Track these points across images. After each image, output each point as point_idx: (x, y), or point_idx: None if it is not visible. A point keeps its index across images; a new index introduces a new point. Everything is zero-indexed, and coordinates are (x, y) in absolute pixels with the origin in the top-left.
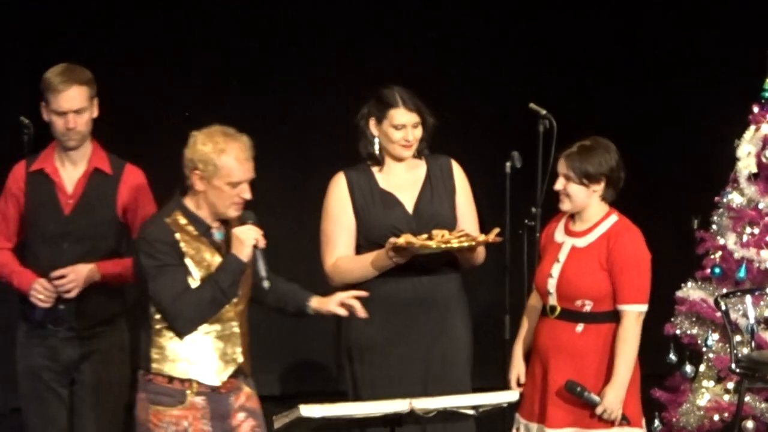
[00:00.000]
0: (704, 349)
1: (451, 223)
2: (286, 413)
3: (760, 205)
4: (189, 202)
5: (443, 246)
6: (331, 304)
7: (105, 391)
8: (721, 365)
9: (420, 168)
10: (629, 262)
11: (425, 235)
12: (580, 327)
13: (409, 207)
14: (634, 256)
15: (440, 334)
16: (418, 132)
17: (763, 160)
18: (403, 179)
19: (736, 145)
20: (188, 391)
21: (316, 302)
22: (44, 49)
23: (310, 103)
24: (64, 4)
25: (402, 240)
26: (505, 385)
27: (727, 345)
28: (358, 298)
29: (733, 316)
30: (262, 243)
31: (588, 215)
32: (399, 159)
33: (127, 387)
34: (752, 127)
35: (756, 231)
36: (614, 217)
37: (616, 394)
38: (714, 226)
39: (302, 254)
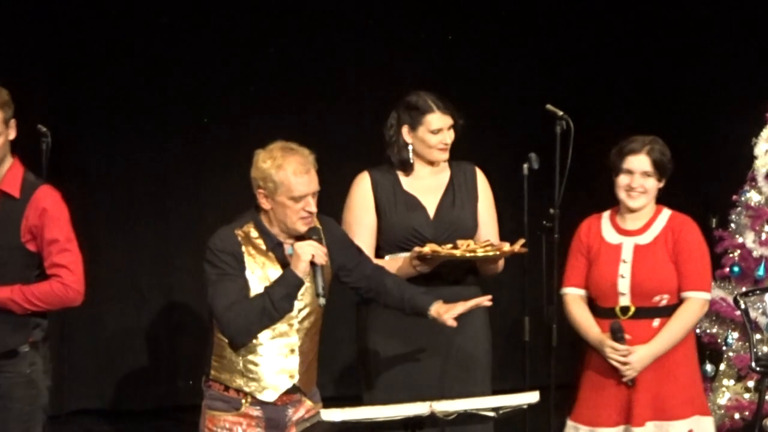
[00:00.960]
0: (724, 347)
1: (471, 230)
2: (307, 418)
3: None
4: (263, 218)
5: (468, 255)
6: (449, 318)
7: None
8: (741, 364)
9: (444, 173)
10: (695, 251)
11: (450, 245)
12: (656, 322)
13: (431, 211)
14: (699, 246)
15: (459, 339)
16: (452, 134)
17: None
18: (426, 183)
19: (753, 144)
20: (243, 401)
21: (435, 311)
22: (63, 57)
23: (328, 106)
24: (81, 12)
25: (427, 248)
26: (525, 387)
27: (746, 343)
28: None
29: (752, 314)
30: (320, 259)
31: (642, 212)
32: (434, 163)
33: (35, 424)
34: None
35: None
36: (667, 211)
37: (642, 358)
38: (732, 225)
39: None
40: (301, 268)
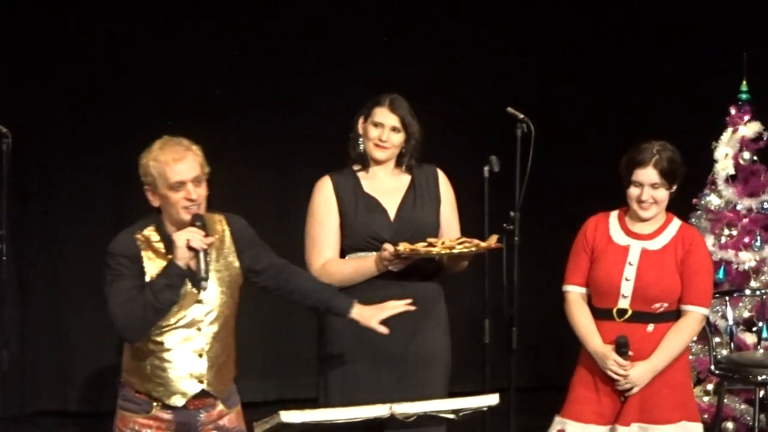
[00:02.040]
0: None
1: (432, 232)
2: (267, 419)
3: (738, 207)
4: (164, 219)
5: (446, 252)
6: (374, 322)
7: None
8: (700, 367)
9: (405, 175)
10: (703, 266)
11: (425, 243)
12: (651, 327)
13: (392, 213)
14: (706, 261)
15: (417, 340)
16: (396, 138)
17: (741, 162)
18: (387, 185)
19: (713, 147)
20: (154, 404)
21: (357, 314)
22: (24, 56)
23: (294, 107)
24: (41, 11)
25: (402, 247)
26: (484, 389)
27: (706, 347)
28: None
29: (712, 317)
30: (197, 243)
31: (654, 218)
32: (374, 159)
33: None
34: (729, 129)
35: (734, 233)
36: (677, 220)
37: (643, 373)
38: None
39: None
40: (179, 255)
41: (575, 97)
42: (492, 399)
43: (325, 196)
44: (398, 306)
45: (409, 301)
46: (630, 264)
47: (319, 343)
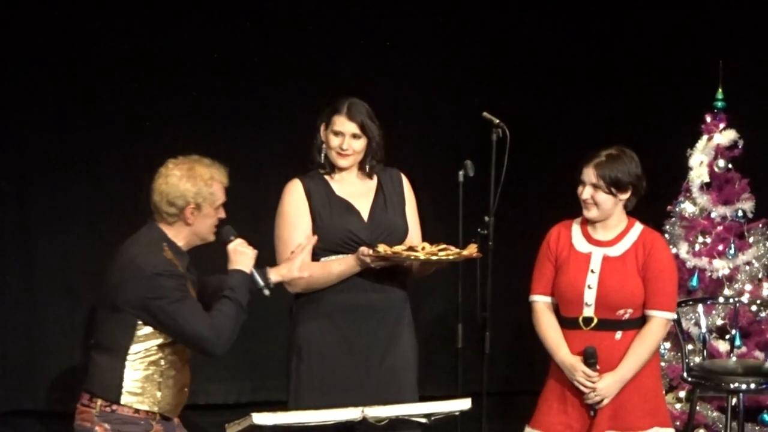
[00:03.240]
0: None
1: (403, 233)
2: (239, 421)
3: (713, 215)
4: (170, 234)
5: (433, 258)
6: (295, 272)
7: None
8: (673, 374)
9: (371, 179)
10: (664, 270)
11: (404, 246)
12: (618, 334)
13: (365, 215)
14: (668, 265)
15: (387, 344)
16: (357, 144)
17: (716, 169)
18: (356, 188)
19: (688, 155)
20: (152, 421)
21: (277, 276)
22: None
23: (265, 109)
24: (17, 12)
25: (381, 249)
26: (457, 394)
27: (679, 354)
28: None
29: (685, 325)
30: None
31: (611, 223)
32: (337, 167)
33: None
34: (705, 137)
35: (708, 240)
36: (639, 225)
37: (611, 385)
38: (666, 236)
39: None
40: (249, 266)
41: (551, 102)
42: (464, 404)
43: (295, 198)
44: (306, 247)
45: (314, 239)
46: (592, 271)
47: (289, 347)
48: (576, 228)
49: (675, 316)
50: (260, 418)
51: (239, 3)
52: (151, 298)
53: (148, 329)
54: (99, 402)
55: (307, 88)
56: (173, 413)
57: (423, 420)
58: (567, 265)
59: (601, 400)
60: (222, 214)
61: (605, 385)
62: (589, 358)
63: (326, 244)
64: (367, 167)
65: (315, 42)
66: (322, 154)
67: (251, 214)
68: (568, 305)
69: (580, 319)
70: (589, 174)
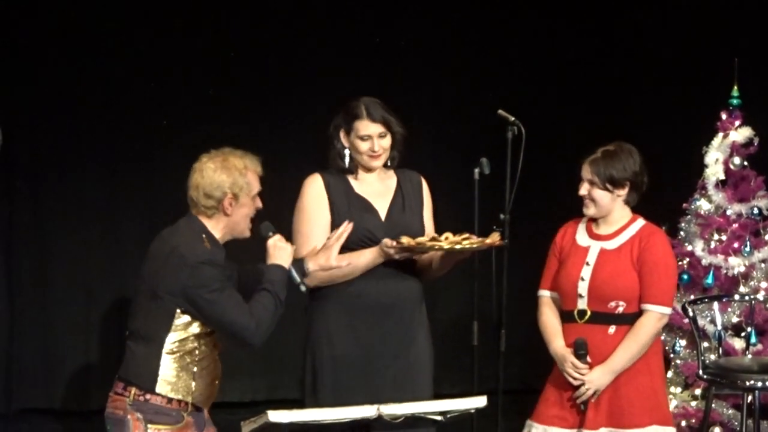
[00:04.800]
0: (672, 355)
1: (419, 235)
2: (255, 419)
3: (728, 212)
4: (209, 227)
5: (457, 247)
6: (333, 261)
7: None
8: (688, 371)
9: (391, 179)
10: (659, 263)
11: (427, 237)
12: (612, 329)
13: (382, 215)
14: (664, 258)
15: (403, 342)
16: (386, 142)
17: (731, 167)
18: (375, 188)
19: (704, 152)
20: (184, 412)
21: (314, 266)
22: (15, 52)
23: (283, 107)
24: (33, 8)
25: (405, 240)
26: (473, 391)
27: (694, 351)
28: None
29: (700, 322)
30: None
31: (613, 219)
32: (369, 169)
33: None
34: (720, 134)
35: (723, 238)
36: (641, 221)
37: (600, 377)
38: (682, 233)
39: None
40: (288, 262)
41: (566, 100)
42: (480, 401)
43: (316, 192)
44: (342, 234)
45: (350, 226)
46: (587, 264)
47: (305, 345)
48: (582, 224)
49: (669, 311)
50: (276, 416)
51: (256, 1)
52: (193, 287)
53: (186, 318)
54: (133, 390)
55: (323, 85)
56: (205, 404)
57: (439, 418)
58: (567, 259)
59: (593, 394)
60: (259, 204)
61: (594, 377)
62: (579, 350)
63: (344, 241)
64: (388, 162)
65: (331, 40)
66: (346, 159)
67: (270, 209)
68: (566, 298)
69: (575, 311)
70: (586, 171)
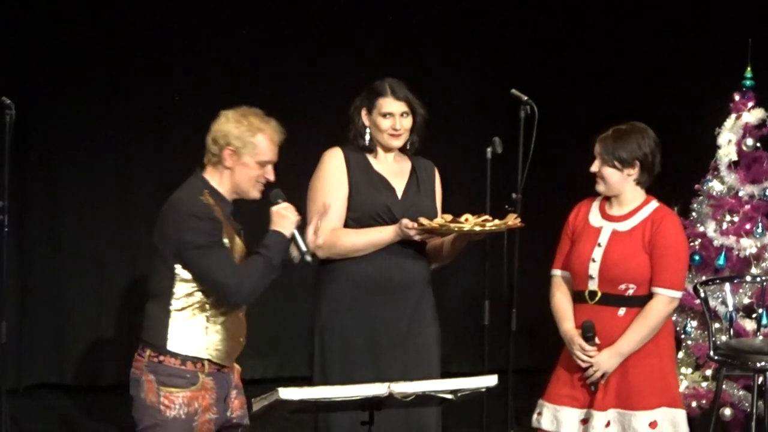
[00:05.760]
0: (683, 336)
1: (432, 218)
2: (265, 396)
3: (740, 193)
4: (212, 181)
5: (477, 229)
6: (310, 233)
7: None
8: (699, 352)
9: (407, 163)
10: (670, 246)
11: (449, 218)
12: (622, 311)
13: (399, 193)
14: (675, 242)
15: (410, 322)
16: (407, 122)
17: (744, 148)
18: (393, 168)
19: (716, 133)
20: (200, 373)
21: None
22: (28, 29)
23: (295, 88)
24: None
25: (426, 222)
26: (483, 370)
27: (705, 332)
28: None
29: (712, 303)
30: (299, 220)
31: (625, 199)
32: (389, 149)
33: None
34: (733, 116)
35: (736, 219)
36: (655, 203)
37: (608, 359)
38: (694, 214)
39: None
40: (290, 230)
41: (579, 79)
42: (490, 380)
43: (336, 165)
44: (326, 213)
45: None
46: (599, 245)
47: (313, 324)
48: (595, 204)
49: (680, 295)
50: (287, 393)
51: None
52: (182, 239)
53: (188, 273)
54: (148, 352)
55: (335, 64)
56: (226, 361)
57: (449, 396)
58: (579, 239)
59: (602, 376)
60: (269, 175)
61: (602, 359)
62: (586, 332)
63: (359, 214)
64: (408, 145)
65: (343, 19)
66: (366, 138)
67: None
68: (576, 278)
69: (586, 292)
70: (597, 148)
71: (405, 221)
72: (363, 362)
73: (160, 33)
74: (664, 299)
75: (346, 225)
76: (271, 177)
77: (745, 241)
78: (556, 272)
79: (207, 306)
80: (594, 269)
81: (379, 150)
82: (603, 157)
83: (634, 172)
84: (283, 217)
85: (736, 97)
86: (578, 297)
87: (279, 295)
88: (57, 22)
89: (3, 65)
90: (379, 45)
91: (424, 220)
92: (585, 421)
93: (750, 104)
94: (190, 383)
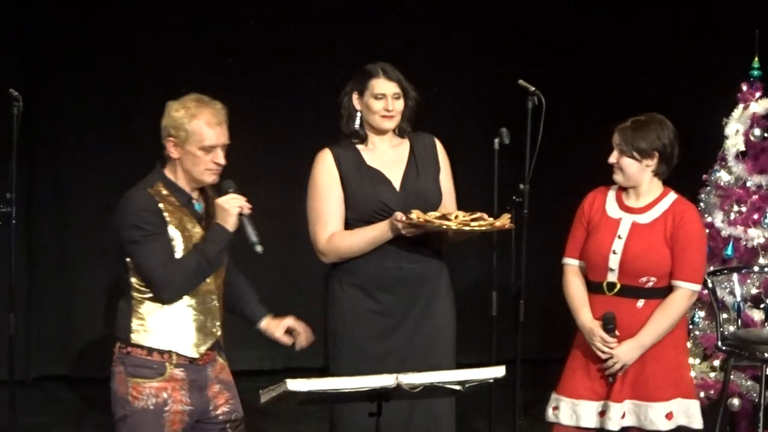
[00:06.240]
0: (691, 326)
1: (436, 200)
2: (273, 387)
3: (748, 184)
4: (168, 173)
5: (465, 228)
6: (279, 332)
7: None
8: (707, 343)
9: (404, 145)
10: (693, 240)
11: (438, 214)
12: (641, 303)
13: (396, 184)
14: (698, 235)
15: (423, 313)
16: (399, 104)
17: (751, 138)
18: (388, 157)
19: (724, 124)
20: (167, 364)
21: (265, 324)
22: (36, 21)
23: (299, 79)
24: None
25: (414, 215)
26: (491, 361)
27: (713, 323)
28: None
29: (719, 293)
30: (246, 210)
31: (644, 191)
32: (381, 131)
33: None
34: (740, 106)
35: (743, 209)
36: (673, 195)
37: (629, 351)
38: (702, 204)
39: (292, 231)
40: (231, 223)
41: (586, 70)
42: (498, 371)
43: (326, 168)
44: (300, 325)
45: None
46: (619, 237)
47: (327, 315)
48: (611, 194)
49: (699, 288)
50: (294, 385)
51: None
52: (121, 234)
53: None
54: (118, 344)
55: (342, 55)
56: (193, 352)
57: (457, 387)
58: (597, 230)
59: (621, 368)
60: (219, 159)
61: (623, 351)
62: (607, 324)
63: (357, 214)
64: (398, 130)
65: (350, 10)
66: (356, 123)
67: (285, 185)
68: (594, 269)
69: (604, 284)
70: (616, 138)
71: (396, 214)
72: (376, 356)
73: (168, 27)
74: (686, 293)
75: (348, 225)
76: (221, 161)
77: (753, 232)
78: (570, 261)
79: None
80: (614, 261)
81: (372, 137)
82: (621, 147)
83: (652, 163)
84: (224, 209)
85: (744, 88)
86: (594, 288)
87: (287, 285)
88: (64, 15)
89: (11, 58)
90: (385, 36)
91: (414, 214)
92: (602, 413)
93: (757, 94)
94: (157, 374)
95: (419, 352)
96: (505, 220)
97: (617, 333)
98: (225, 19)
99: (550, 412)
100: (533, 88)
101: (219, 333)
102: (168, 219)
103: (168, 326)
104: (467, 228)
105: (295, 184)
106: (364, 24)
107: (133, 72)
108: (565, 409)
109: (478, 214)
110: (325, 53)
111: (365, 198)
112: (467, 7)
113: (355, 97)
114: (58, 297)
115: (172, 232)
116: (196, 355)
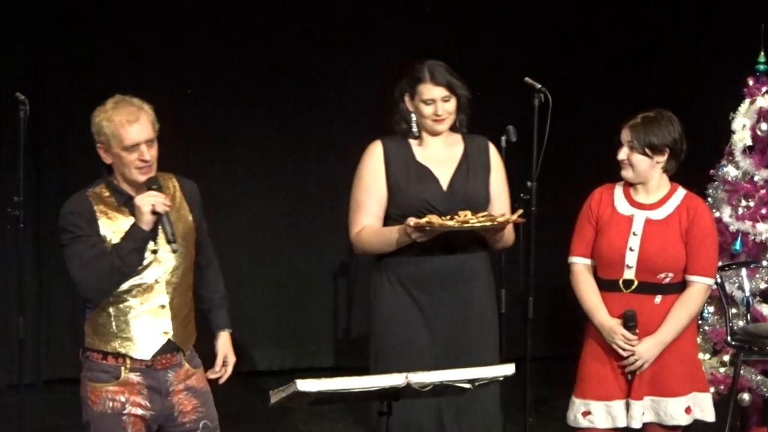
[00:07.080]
0: (700, 321)
1: (483, 203)
2: (283, 388)
3: (756, 178)
4: (114, 176)
5: (465, 226)
6: (219, 358)
7: None
8: (716, 338)
9: (458, 145)
10: (707, 236)
11: (448, 216)
12: (658, 299)
13: (444, 183)
14: (712, 231)
15: (464, 314)
16: (450, 105)
17: (758, 133)
18: (440, 155)
19: (731, 118)
20: (122, 368)
21: (220, 339)
22: (43, 24)
23: (305, 78)
24: None
25: (423, 220)
26: (501, 359)
27: (722, 318)
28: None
29: (728, 288)
30: (161, 207)
31: (652, 187)
32: (434, 133)
33: None
34: (747, 100)
35: (751, 204)
36: (682, 190)
37: (650, 348)
38: (709, 199)
39: (302, 230)
40: (144, 221)
41: (593, 67)
42: (508, 369)
43: (374, 161)
44: (230, 361)
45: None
46: (634, 234)
47: (370, 315)
48: (618, 191)
49: (713, 282)
50: (304, 385)
51: None
52: (60, 237)
53: None
54: (80, 349)
55: (349, 54)
56: (144, 355)
57: (467, 386)
58: (608, 227)
59: (642, 365)
60: (143, 156)
61: (644, 349)
62: (629, 321)
63: (402, 210)
64: (458, 124)
65: (356, 9)
66: (412, 124)
67: (295, 183)
68: (608, 267)
69: (620, 281)
70: (625, 135)
71: (409, 220)
72: (416, 357)
73: (174, 28)
74: (702, 287)
75: (392, 220)
76: (146, 157)
77: (761, 226)
78: (579, 259)
79: (120, 303)
80: (632, 258)
81: (425, 135)
82: (632, 144)
83: (662, 159)
84: (137, 207)
85: (750, 82)
86: (610, 285)
87: (296, 285)
88: (71, 18)
89: (17, 61)
90: (392, 33)
91: (433, 218)
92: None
93: (764, 89)
94: (113, 377)
95: (460, 353)
96: (512, 216)
97: (637, 330)
98: (232, 22)
99: (579, 418)
100: (540, 86)
101: (170, 335)
102: (102, 221)
103: (116, 329)
104: (467, 225)
105: (304, 183)
106: (371, 23)
107: (139, 76)
108: (599, 412)
109: (486, 213)
110: (332, 53)
111: (410, 195)
112: (474, 4)
113: (407, 98)
114: (67, 299)
115: (106, 232)
116: (147, 358)
